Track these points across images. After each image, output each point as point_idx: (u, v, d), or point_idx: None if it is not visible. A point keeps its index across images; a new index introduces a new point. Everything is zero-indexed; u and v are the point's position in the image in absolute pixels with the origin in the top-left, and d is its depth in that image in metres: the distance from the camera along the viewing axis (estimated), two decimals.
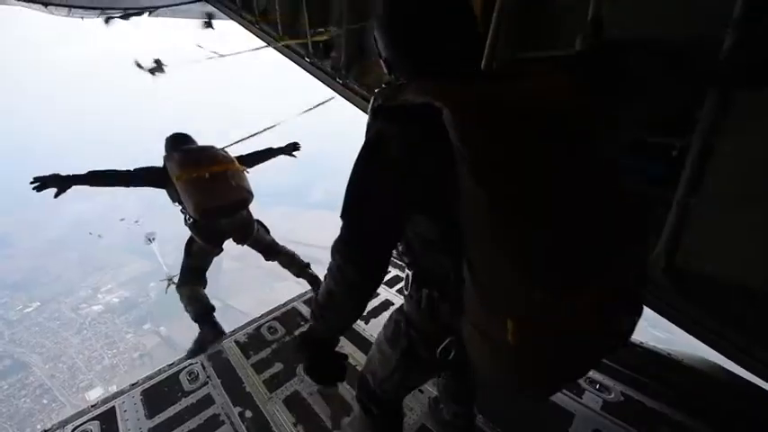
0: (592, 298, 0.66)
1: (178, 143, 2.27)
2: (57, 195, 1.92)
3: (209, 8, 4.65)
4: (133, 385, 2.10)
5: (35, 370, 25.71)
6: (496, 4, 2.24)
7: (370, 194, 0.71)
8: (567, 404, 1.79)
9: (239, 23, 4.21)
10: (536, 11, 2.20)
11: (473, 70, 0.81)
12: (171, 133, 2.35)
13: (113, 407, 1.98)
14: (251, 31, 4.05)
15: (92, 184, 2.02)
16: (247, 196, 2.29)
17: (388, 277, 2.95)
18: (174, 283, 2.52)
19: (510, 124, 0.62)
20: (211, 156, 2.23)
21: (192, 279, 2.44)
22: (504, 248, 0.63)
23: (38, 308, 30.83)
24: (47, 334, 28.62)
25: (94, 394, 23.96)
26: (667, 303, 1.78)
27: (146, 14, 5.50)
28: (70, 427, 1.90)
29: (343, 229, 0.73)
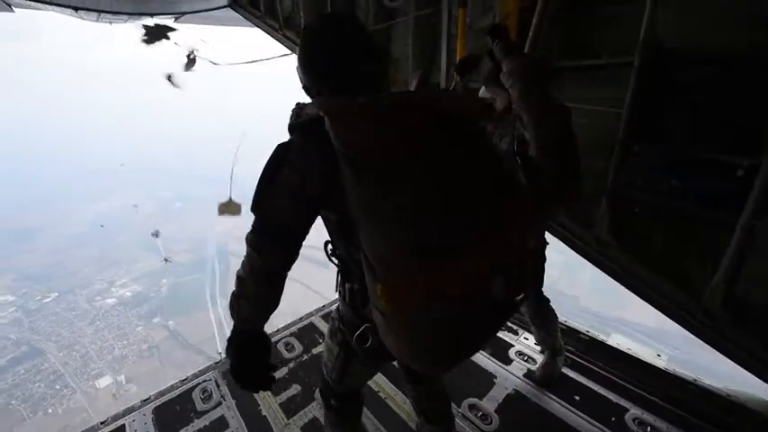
0: (465, 267, 0.71)
1: None
2: None
3: (235, 15, 4.56)
4: (144, 401, 1.93)
5: (50, 357, 25.92)
6: (537, 8, 2.07)
7: (278, 193, 0.79)
8: None
9: (263, 30, 4.10)
10: (580, 17, 2.03)
11: (376, 92, 0.88)
12: None
13: (123, 425, 1.80)
14: (275, 38, 3.94)
15: None
16: None
17: None
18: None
19: (376, 125, 0.71)
20: None
21: None
22: (376, 223, 0.72)
23: (56, 298, 31.13)
24: (63, 323, 28.86)
25: (104, 382, 24.07)
26: (724, 336, 1.57)
27: (172, 20, 5.45)
28: None
29: (254, 222, 0.81)
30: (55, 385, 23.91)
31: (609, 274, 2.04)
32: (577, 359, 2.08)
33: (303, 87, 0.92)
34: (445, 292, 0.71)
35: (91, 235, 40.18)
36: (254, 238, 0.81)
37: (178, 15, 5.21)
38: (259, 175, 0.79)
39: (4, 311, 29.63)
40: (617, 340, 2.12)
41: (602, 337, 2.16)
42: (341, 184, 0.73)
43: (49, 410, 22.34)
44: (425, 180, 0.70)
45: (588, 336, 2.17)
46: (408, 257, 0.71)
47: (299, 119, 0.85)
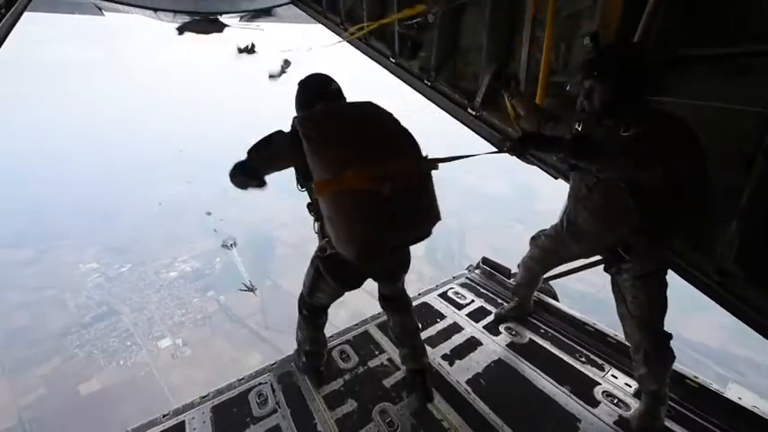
0: (359, 176, 1.20)
1: None
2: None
3: (295, 11, 4.47)
4: (203, 398, 1.86)
5: (123, 317, 29.17)
6: None
7: (264, 149, 1.36)
8: None
9: (325, 25, 3.95)
10: None
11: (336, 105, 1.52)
12: None
13: (183, 422, 1.74)
14: (336, 33, 3.77)
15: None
16: None
17: (471, 309, 2.45)
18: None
19: (325, 120, 1.32)
20: None
21: None
22: (317, 163, 1.24)
23: (130, 269, 34.83)
24: (134, 290, 32.28)
25: (164, 344, 26.63)
26: None
27: (238, 18, 5.52)
28: None
29: (246, 157, 1.35)
30: (126, 342, 26.90)
31: (730, 311, 1.60)
32: (683, 410, 1.66)
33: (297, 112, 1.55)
34: (349, 187, 1.20)
35: (159, 216, 44.23)
36: (241, 164, 1.34)
37: (245, 14, 5.26)
38: (260, 139, 1.36)
39: (90, 276, 33.79)
40: (737, 392, 1.66)
41: (715, 386, 1.72)
42: (303, 155, 1.25)
43: (121, 362, 25.26)
44: (345, 140, 1.26)
45: (697, 383, 1.73)
46: (328, 172, 1.22)
47: (292, 125, 1.38)
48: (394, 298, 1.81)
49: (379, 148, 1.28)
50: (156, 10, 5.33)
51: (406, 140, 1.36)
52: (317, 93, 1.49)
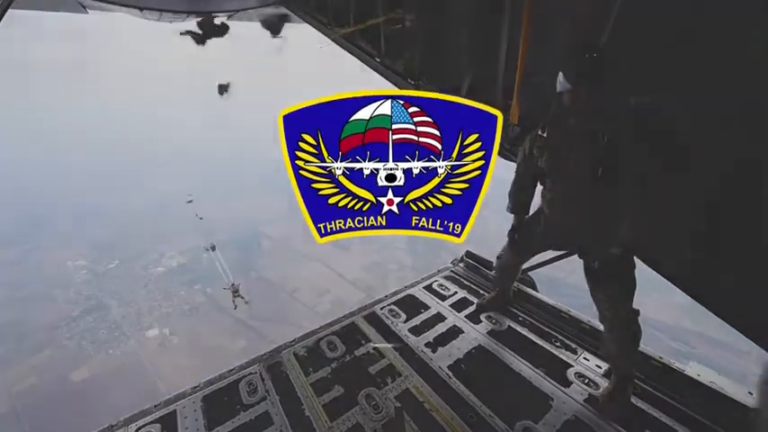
0: None
1: None
2: None
3: (285, 11, 4.33)
4: (194, 388, 1.80)
5: (112, 310, 28.20)
6: None
7: None
8: None
9: (313, 26, 3.86)
10: None
11: None
12: None
13: (174, 411, 1.68)
14: (324, 33, 3.69)
15: None
16: None
17: (455, 300, 2.47)
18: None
19: None
20: None
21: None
22: None
23: (117, 265, 33.58)
24: (122, 285, 31.17)
25: (152, 333, 26.21)
26: None
27: (226, 18, 5.30)
28: (134, 426, 1.62)
29: None
30: (114, 333, 26.19)
31: (692, 296, 1.64)
32: (648, 388, 1.73)
33: None
34: None
35: (146, 214, 42.58)
36: None
37: (232, 13, 5.06)
38: None
39: (78, 273, 32.35)
40: (697, 370, 1.75)
41: (677, 364, 1.80)
42: None
43: (110, 351, 24.71)
44: None
45: (661, 362, 1.81)
46: None
47: None
48: None
49: None
50: (141, 9, 5.04)
51: None
52: None
